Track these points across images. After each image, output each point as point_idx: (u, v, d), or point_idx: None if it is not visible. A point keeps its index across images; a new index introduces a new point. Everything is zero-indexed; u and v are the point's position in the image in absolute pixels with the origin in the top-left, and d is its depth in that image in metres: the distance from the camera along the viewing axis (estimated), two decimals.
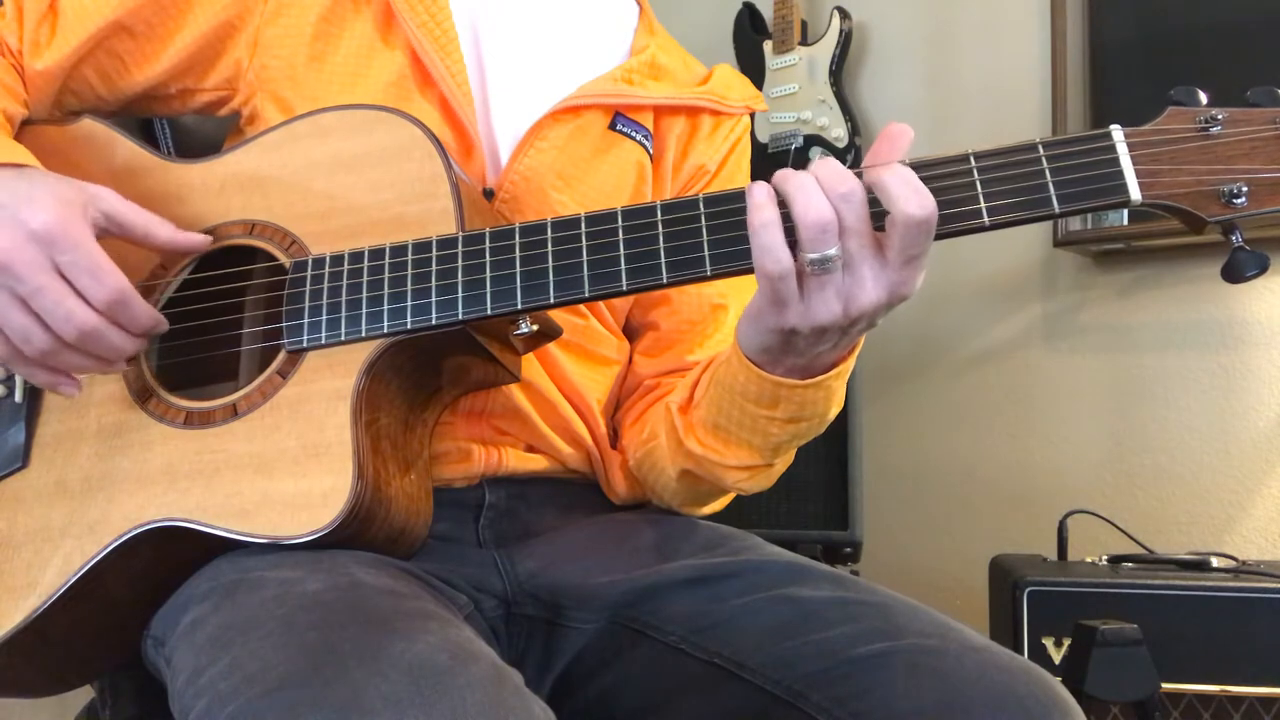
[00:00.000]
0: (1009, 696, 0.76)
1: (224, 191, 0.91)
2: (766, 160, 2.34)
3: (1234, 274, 0.76)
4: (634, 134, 1.01)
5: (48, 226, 0.78)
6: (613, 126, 1.00)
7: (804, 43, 2.37)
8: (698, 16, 2.49)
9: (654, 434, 0.96)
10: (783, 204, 0.76)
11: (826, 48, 2.33)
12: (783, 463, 0.93)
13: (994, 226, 0.76)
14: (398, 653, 0.64)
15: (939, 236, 0.75)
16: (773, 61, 2.38)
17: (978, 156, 0.76)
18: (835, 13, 2.33)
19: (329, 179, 0.88)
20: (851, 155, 2.30)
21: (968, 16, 2.32)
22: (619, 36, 1.07)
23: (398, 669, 0.63)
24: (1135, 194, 0.75)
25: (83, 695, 1.02)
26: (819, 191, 0.74)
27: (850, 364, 0.85)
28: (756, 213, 0.75)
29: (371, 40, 0.95)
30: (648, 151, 1.02)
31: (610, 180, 1.00)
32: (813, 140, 2.32)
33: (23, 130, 0.95)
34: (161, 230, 0.86)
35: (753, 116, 2.35)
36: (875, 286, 0.75)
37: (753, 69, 2.39)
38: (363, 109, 0.89)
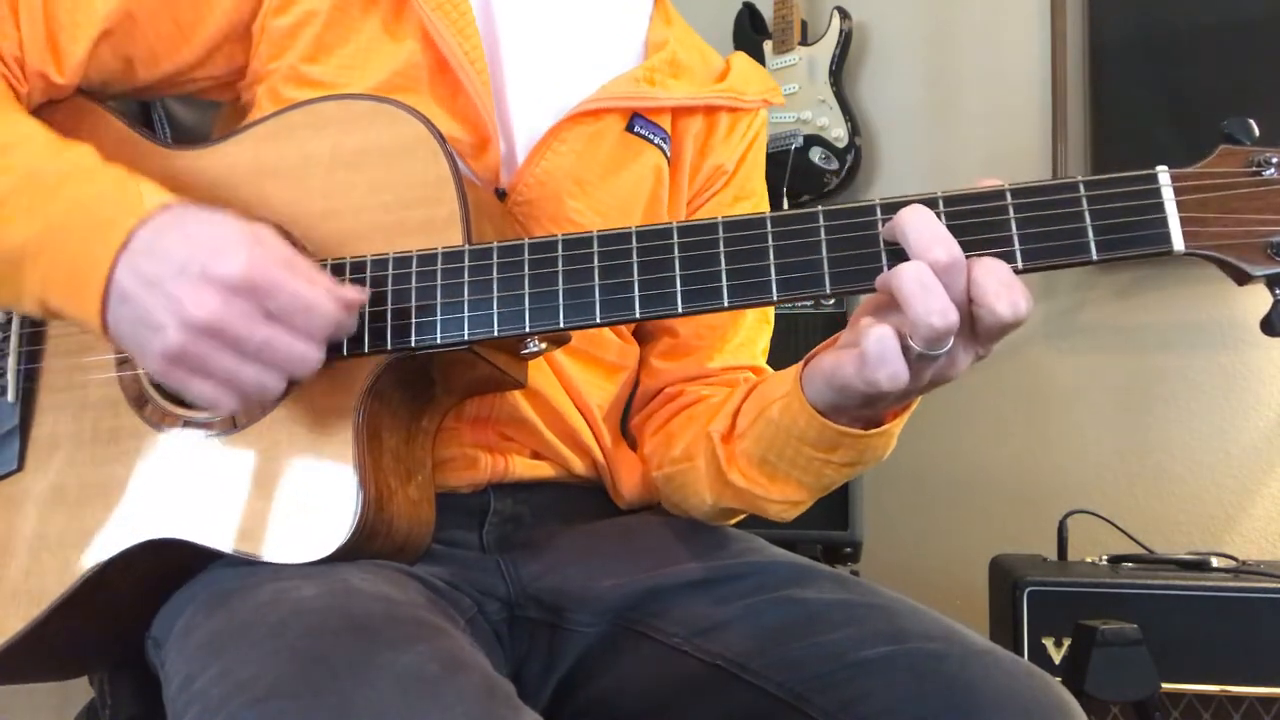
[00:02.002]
0: (1013, 701, 0.76)
1: (219, 183, 0.87)
2: (766, 160, 2.33)
3: (1274, 328, 0.71)
4: (652, 137, 0.98)
5: (247, 275, 0.71)
6: (630, 128, 0.97)
7: (804, 43, 2.37)
8: (698, 16, 2.47)
9: (689, 456, 0.94)
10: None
11: (826, 48, 2.33)
12: None
13: (1027, 271, 0.71)
14: (387, 662, 0.64)
15: None
16: (773, 61, 2.38)
17: (1014, 193, 0.72)
18: (835, 13, 2.33)
19: (328, 176, 0.84)
20: (851, 155, 2.30)
21: (968, 16, 2.32)
22: (635, 24, 1.04)
23: (386, 679, 0.62)
24: (1179, 244, 0.70)
25: (83, 695, 1.02)
26: (943, 293, 0.68)
27: (914, 408, 0.81)
28: (873, 325, 0.71)
29: (380, 36, 0.91)
30: (665, 155, 1.00)
31: (627, 186, 0.97)
32: (813, 140, 2.32)
33: None
34: (323, 280, 0.76)
35: None
36: (964, 358, 0.73)
37: None
38: (364, 99, 0.84)
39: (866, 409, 0.78)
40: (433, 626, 0.71)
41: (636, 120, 0.97)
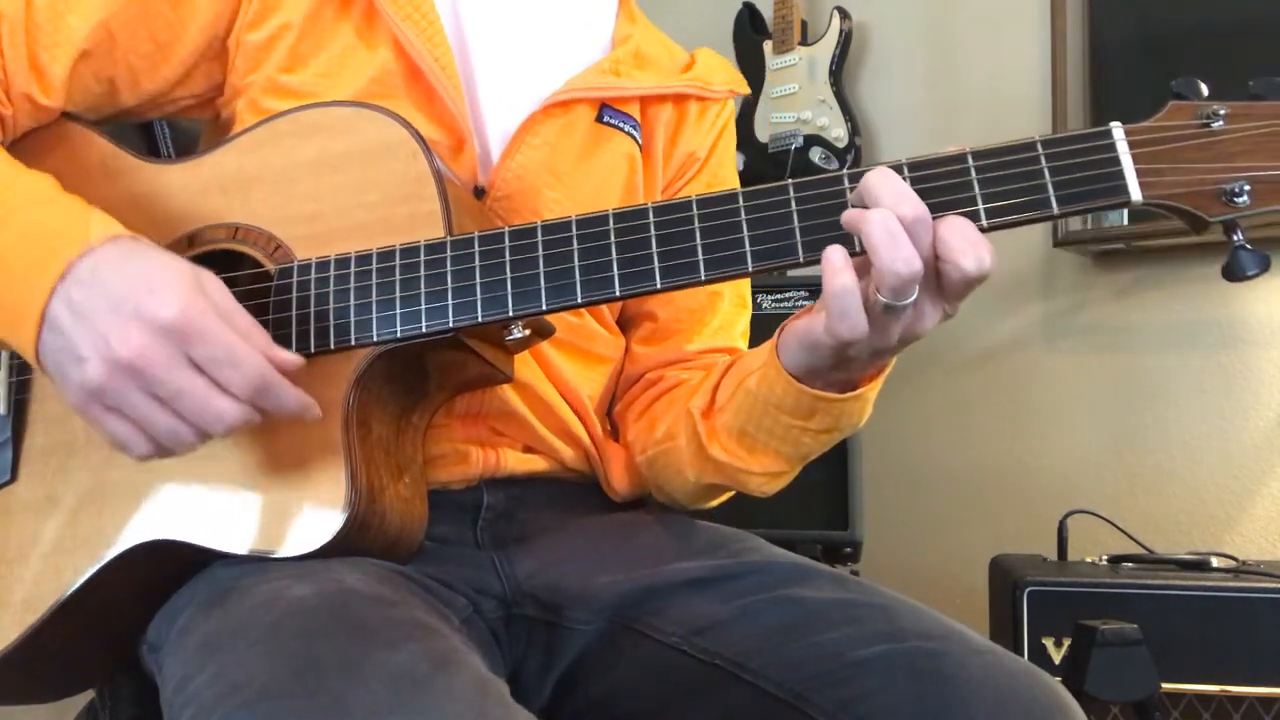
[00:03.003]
0: (1012, 700, 0.76)
1: (206, 193, 0.88)
2: (766, 160, 2.34)
3: (1234, 273, 0.75)
4: (622, 125, 1.00)
5: (178, 320, 0.71)
6: (600, 119, 0.99)
7: (804, 43, 2.37)
8: (697, 16, 2.48)
9: (670, 435, 0.96)
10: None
11: (826, 48, 2.33)
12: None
13: (992, 228, 0.74)
14: (379, 662, 0.64)
15: None
16: (773, 61, 2.38)
17: (975, 155, 0.75)
18: (835, 13, 2.33)
19: (313, 180, 0.86)
20: (851, 155, 2.30)
21: (968, 16, 2.32)
22: (601, 23, 1.06)
23: (379, 679, 0.63)
24: (1136, 194, 0.74)
25: (82, 696, 1.02)
26: (908, 242, 0.71)
27: (887, 372, 0.84)
28: (835, 276, 0.73)
29: (354, 44, 0.93)
30: (637, 142, 1.02)
31: (601, 174, 0.99)
32: (813, 140, 2.32)
33: None
34: (259, 338, 0.75)
35: (752, 113, 2.38)
36: (933, 314, 0.76)
37: (753, 69, 2.39)
38: (345, 106, 0.87)
39: (839, 371, 0.81)
40: (426, 626, 0.71)
41: (606, 110, 0.99)
